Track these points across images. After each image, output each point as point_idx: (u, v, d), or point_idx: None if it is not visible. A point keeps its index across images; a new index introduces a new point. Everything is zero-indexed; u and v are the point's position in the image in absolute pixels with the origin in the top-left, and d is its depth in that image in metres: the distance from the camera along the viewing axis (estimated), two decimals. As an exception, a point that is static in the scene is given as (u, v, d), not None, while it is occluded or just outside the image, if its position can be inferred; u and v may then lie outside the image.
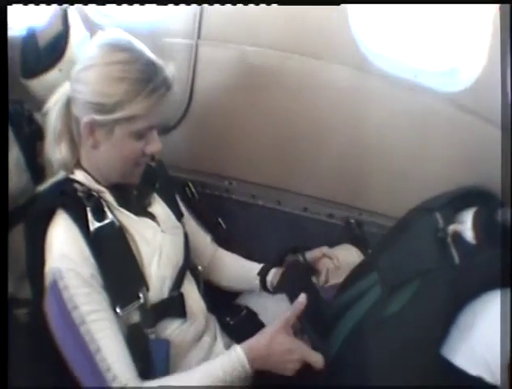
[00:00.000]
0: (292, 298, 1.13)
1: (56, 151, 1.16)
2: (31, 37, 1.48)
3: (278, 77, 1.56)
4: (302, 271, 1.33)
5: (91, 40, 1.16)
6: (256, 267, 1.41)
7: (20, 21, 1.50)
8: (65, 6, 1.49)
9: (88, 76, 1.09)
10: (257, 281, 1.38)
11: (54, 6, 1.49)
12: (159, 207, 1.27)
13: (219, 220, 1.74)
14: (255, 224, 1.70)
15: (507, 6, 1.13)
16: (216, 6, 1.53)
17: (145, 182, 1.25)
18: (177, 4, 1.51)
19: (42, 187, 1.18)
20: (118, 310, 1.07)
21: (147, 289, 1.12)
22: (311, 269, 1.34)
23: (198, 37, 1.59)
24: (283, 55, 1.54)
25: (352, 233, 1.61)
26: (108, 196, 1.16)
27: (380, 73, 1.51)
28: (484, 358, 0.92)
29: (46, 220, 1.10)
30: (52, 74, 1.44)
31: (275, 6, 1.47)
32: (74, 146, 1.17)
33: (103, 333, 1.03)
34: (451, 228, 1.05)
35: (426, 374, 0.98)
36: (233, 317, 1.39)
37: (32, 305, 1.16)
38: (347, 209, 1.65)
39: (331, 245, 1.43)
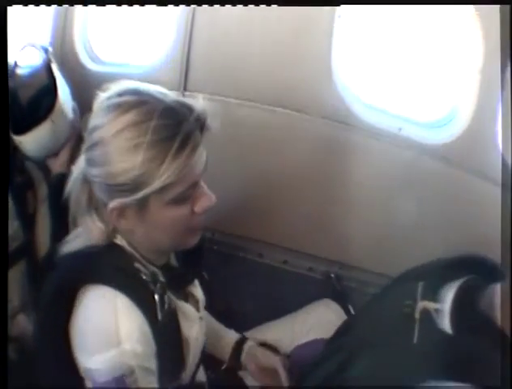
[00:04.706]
0: None
1: (87, 221, 0.98)
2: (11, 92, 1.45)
3: (262, 130, 1.57)
4: None
5: (93, 107, 0.96)
6: (232, 335, 1.35)
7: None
8: (47, 58, 1.50)
9: (98, 156, 0.91)
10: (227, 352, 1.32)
11: (31, 56, 1.50)
12: (197, 286, 1.14)
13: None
14: (236, 276, 1.67)
15: (507, 6, 1.11)
16: (203, 58, 1.56)
17: (187, 255, 1.08)
18: (176, 5, 1.50)
19: (70, 247, 0.99)
20: None
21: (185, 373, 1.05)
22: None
23: (185, 89, 1.62)
24: (267, 108, 1.55)
25: (332, 288, 1.57)
26: (162, 278, 1.00)
27: (364, 126, 1.52)
28: None
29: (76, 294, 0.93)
30: (45, 126, 1.43)
31: (260, 58, 1.50)
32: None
33: None
34: (421, 304, 1.00)
35: None
36: (214, 370, 1.32)
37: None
38: (328, 263, 1.62)
39: (311, 299, 1.40)
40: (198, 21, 1.54)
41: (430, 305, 0.99)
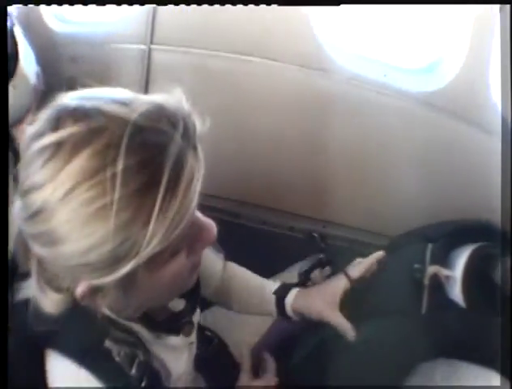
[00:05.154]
0: None
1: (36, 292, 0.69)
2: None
3: (236, 80, 1.45)
4: None
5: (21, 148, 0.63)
6: (272, 285, 1.09)
7: None
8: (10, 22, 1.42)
9: (43, 233, 0.60)
10: (272, 305, 1.05)
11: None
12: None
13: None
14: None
15: (507, 6, 1.07)
16: (171, 7, 1.45)
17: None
18: (176, 5, 1.42)
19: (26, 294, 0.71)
20: None
21: None
22: None
23: (151, 42, 1.50)
24: (242, 58, 1.43)
25: (317, 247, 1.45)
26: (145, 333, 0.80)
27: (346, 74, 1.40)
28: None
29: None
30: None
31: (231, 6, 1.39)
32: None
33: None
34: (431, 269, 0.90)
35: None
36: (203, 346, 1.08)
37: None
38: (310, 222, 1.50)
39: (292, 260, 1.30)
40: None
41: (441, 271, 0.89)
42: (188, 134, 0.61)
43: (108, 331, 0.76)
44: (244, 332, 1.25)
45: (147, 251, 0.58)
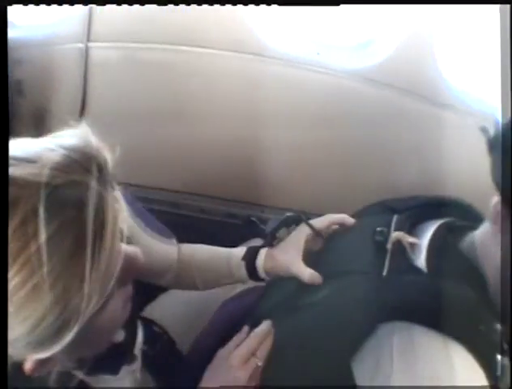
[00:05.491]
0: None
1: None
2: None
3: (168, 71, 1.44)
4: None
5: None
6: (238, 251, 1.06)
7: None
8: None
9: None
10: (242, 271, 1.03)
11: None
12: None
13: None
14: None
15: (507, 6, 1.05)
16: (105, 9, 1.46)
17: None
18: (176, 5, 1.45)
19: None
20: None
21: None
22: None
23: (88, 40, 1.51)
24: (172, 48, 1.43)
25: (256, 229, 1.42)
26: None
27: (278, 55, 1.39)
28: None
29: None
30: None
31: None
32: None
33: None
34: (395, 235, 0.87)
35: (330, 379, 0.81)
36: (151, 344, 1.05)
37: None
38: (248, 207, 1.49)
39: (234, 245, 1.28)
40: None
41: (405, 237, 0.86)
42: (103, 174, 0.58)
43: None
44: (186, 324, 1.24)
45: (88, 310, 0.55)
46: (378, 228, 0.90)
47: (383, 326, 0.76)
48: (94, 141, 0.59)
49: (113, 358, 0.79)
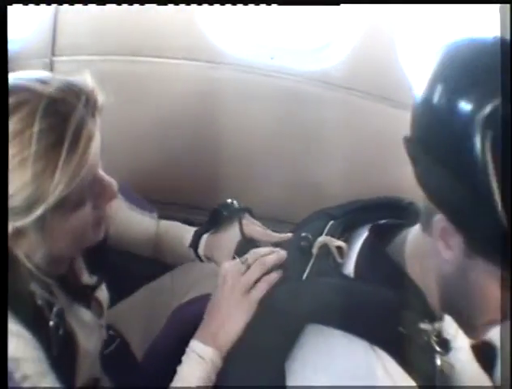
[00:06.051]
0: None
1: None
2: None
3: (124, 82, 1.46)
4: None
5: None
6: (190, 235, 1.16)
7: None
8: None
9: None
10: (193, 254, 1.14)
11: None
12: (103, 287, 1.02)
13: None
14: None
15: (507, 6, 1.06)
16: (71, 17, 1.50)
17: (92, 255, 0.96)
18: (176, 4, 1.44)
19: None
20: None
21: None
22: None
23: (53, 54, 1.56)
24: (128, 59, 1.46)
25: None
26: (61, 295, 0.89)
27: (232, 61, 1.42)
28: None
29: None
30: None
31: (118, 8, 1.43)
32: None
33: None
34: (321, 239, 0.87)
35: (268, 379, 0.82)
36: (106, 346, 1.12)
37: None
38: (204, 213, 1.45)
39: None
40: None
41: (332, 241, 0.85)
42: (89, 104, 0.78)
43: (34, 274, 0.82)
44: (142, 328, 1.25)
45: (54, 195, 0.74)
46: (303, 234, 0.90)
47: (307, 328, 0.76)
48: (90, 83, 0.80)
49: (84, 293, 0.96)
